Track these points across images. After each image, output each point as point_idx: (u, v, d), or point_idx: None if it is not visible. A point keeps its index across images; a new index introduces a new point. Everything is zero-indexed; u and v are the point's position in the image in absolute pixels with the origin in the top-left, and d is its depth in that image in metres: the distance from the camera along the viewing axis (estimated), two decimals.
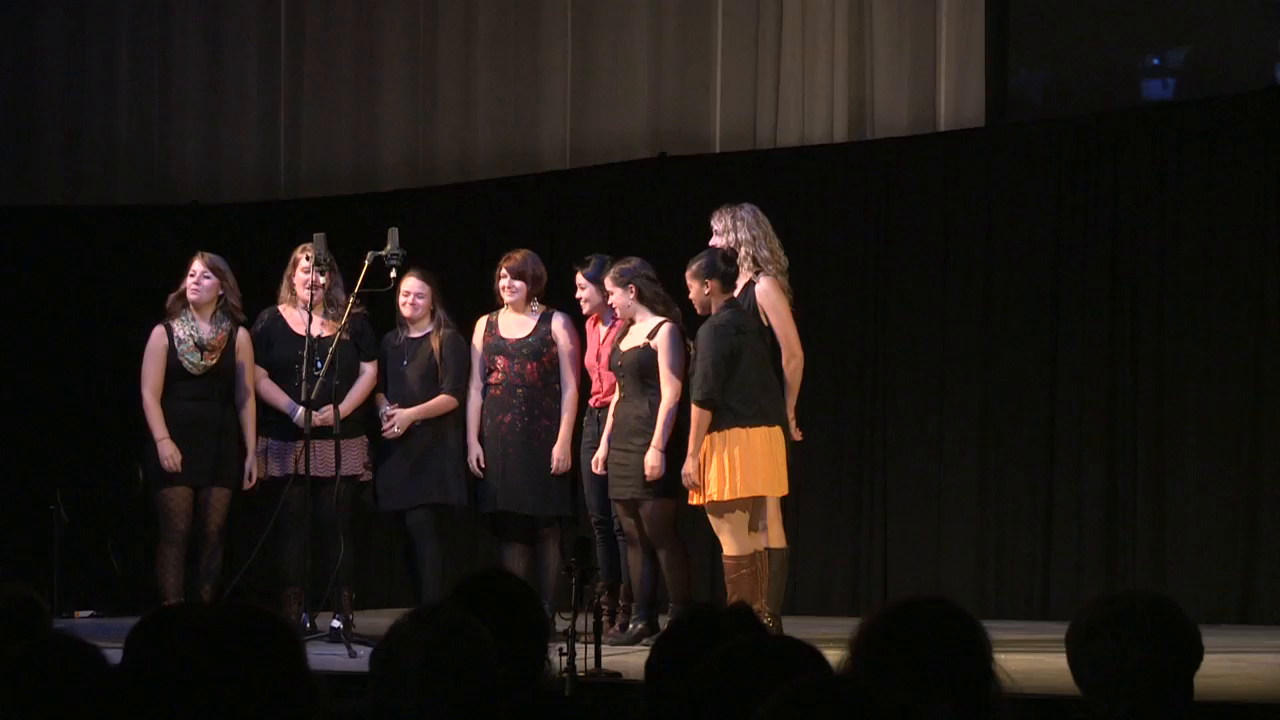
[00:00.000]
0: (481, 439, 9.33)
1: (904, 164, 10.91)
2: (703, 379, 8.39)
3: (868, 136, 11.09)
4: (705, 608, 3.60)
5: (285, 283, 9.49)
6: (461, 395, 9.37)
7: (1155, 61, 10.77)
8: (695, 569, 10.33)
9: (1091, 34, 10.77)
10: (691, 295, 8.58)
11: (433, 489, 9.32)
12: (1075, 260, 10.34)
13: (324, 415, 8.98)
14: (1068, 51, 10.93)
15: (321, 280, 9.21)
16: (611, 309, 9.08)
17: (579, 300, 9.30)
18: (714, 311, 8.49)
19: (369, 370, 9.45)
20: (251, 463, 9.34)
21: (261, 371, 9.43)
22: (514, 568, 8.97)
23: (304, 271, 9.27)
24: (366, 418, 9.46)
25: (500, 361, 9.34)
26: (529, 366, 9.33)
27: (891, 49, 11.04)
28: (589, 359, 9.33)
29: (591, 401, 9.27)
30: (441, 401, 9.37)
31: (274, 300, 9.53)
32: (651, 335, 8.87)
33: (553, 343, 9.36)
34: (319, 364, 8.98)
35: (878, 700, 2.56)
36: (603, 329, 9.30)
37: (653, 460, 8.74)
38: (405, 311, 9.39)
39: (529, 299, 9.39)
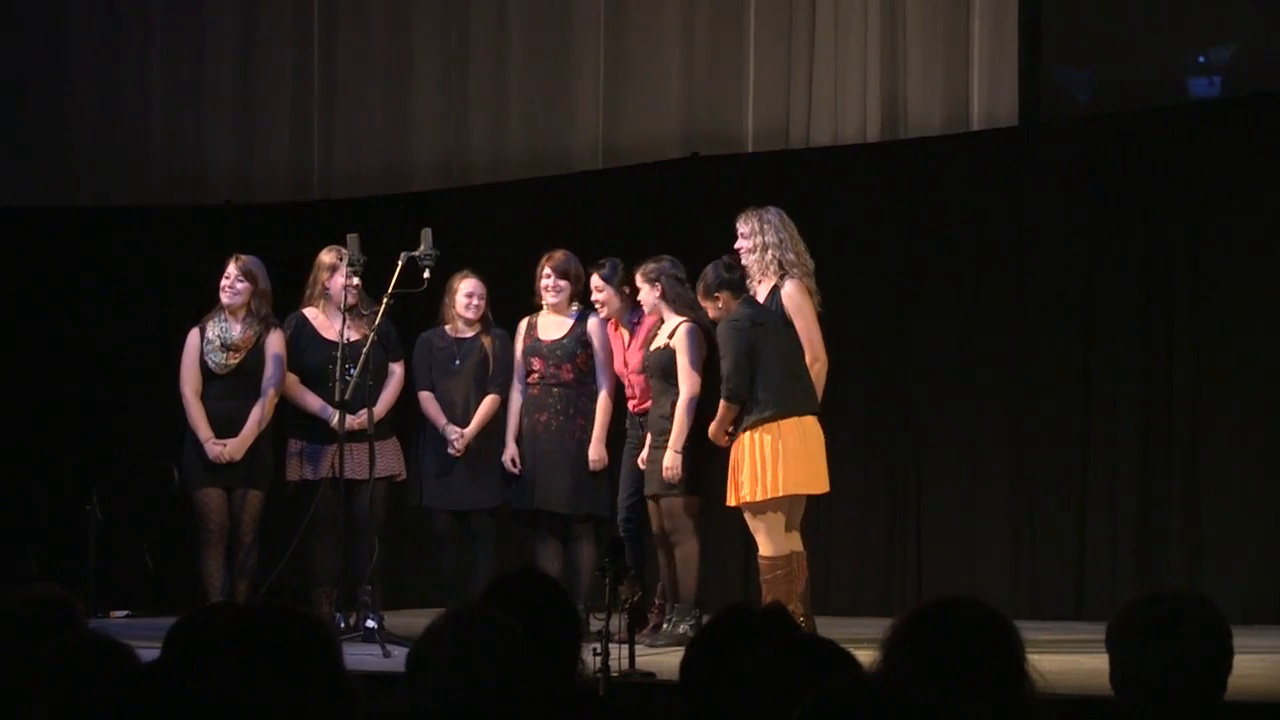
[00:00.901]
0: (519, 438, 9.37)
1: (937, 163, 10.88)
2: (726, 377, 8.41)
3: (901, 136, 11.07)
4: (740, 608, 3.60)
5: (314, 286, 9.50)
6: (505, 394, 9.43)
7: (1201, 59, 10.70)
8: (728, 569, 10.33)
9: (1135, 31, 10.71)
10: (711, 315, 8.61)
11: (495, 492, 9.43)
12: (1110, 260, 10.29)
13: (359, 418, 8.99)
14: (1111, 49, 10.86)
15: (356, 282, 9.22)
16: (630, 312, 9.14)
17: (595, 304, 9.33)
18: None
19: (398, 371, 9.49)
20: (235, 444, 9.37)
21: (293, 377, 9.46)
22: (548, 567, 8.98)
23: (341, 275, 9.29)
24: (397, 419, 9.50)
25: (536, 363, 9.38)
26: (564, 367, 9.36)
27: (924, 48, 11.01)
28: (618, 366, 9.34)
29: (630, 407, 9.28)
30: (491, 404, 9.44)
31: (302, 303, 9.56)
32: (671, 335, 8.89)
33: (588, 343, 9.38)
34: (351, 369, 8.98)
35: (911, 701, 2.57)
36: (625, 334, 9.32)
37: (669, 461, 8.74)
38: (470, 314, 9.46)
39: (571, 299, 9.42)
